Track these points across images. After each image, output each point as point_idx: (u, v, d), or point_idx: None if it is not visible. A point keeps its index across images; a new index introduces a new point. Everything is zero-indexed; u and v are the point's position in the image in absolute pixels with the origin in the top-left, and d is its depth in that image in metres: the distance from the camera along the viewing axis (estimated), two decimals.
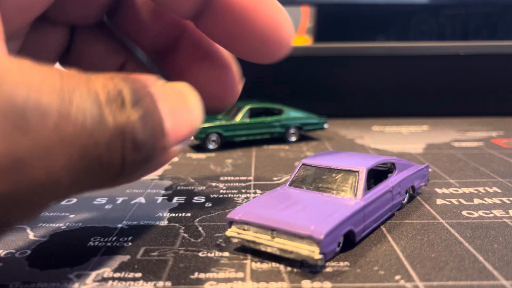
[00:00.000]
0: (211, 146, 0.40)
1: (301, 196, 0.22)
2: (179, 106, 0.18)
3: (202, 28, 0.22)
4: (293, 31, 0.21)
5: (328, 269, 0.18)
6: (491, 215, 0.24)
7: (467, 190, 0.28)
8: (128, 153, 0.16)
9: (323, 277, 0.18)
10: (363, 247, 0.20)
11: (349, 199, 0.21)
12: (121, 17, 0.23)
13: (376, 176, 0.24)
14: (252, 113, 0.42)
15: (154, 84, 0.18)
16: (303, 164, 0.24)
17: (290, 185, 0.23)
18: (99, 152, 0.14)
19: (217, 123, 0.40)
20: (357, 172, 0.22)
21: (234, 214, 0.20)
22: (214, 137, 0.40)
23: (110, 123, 0.15)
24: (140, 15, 0.23)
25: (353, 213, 0.20)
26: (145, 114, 0.16)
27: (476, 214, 0.24)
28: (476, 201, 0.26)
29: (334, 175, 0.22)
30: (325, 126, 0.44)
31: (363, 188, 0.21)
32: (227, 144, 0.41)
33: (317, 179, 0.23)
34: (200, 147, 0.41)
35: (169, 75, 0.24)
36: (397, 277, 0.18)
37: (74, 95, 0.14)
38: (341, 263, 0.19)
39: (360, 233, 0.20)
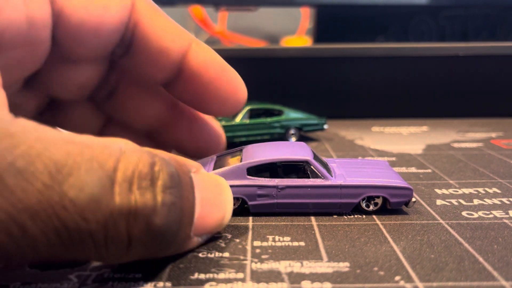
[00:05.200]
0: None
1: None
2: (213, 200, 0.19)
3: (172, 92, 0.26)
4: (246, 91, 0.26)
5: (328, 270, 0.18)
6: (491, 215, 0.24)
7: (466, 190, 0.28)
8: (137, 235, 0.15)
9: (323, 278, 0.18)
10: (363, 248, 0.20)
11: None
12: (129, 61, 0.24)
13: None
14: (252, 114, 0.42)
15: (198, 171, 0.19)
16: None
17: None
18: (90, 228, 0.14)
19: None
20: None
21: None
22: None
23: (113, 203, 0.14)
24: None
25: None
26: (174, 202, 0.16)
27: (476, 215, 0.24)
28: (476, 201, 0.26)
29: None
30: (325, 127, 0.44)
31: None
32: (227, 144, 0.41)
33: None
34: None
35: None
36: (397, 278, 0.18)
37: (76, 170, 0.14)
38: (341, 264, 0.19)
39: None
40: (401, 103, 0.54)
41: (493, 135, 0.46)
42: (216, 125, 0.29)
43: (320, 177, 0.24)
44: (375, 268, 0.18)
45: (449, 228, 0.22)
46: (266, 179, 0.24)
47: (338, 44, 0.55)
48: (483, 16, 0.65)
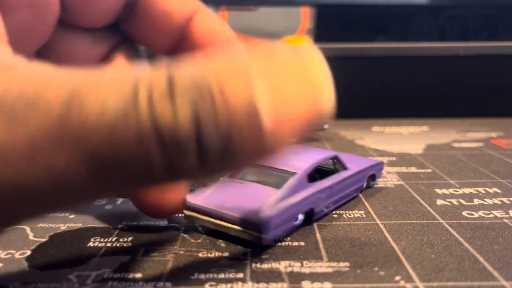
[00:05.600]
0: None
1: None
2: (293, 81, 0.13)
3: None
4: None
5: (328, 270, 0.18)
6: (491, 215, 0.24)
7: (467, 190, 0.28)
8: (158, 156, 0.12)
9: (323, 278, 0.18)
10: (363, 248, 0.20)
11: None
12: (131, 25, 0.22)
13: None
14: None
15: (254, 47, 0.13)
16: None
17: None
18: (129, 150, 0.12)
19: None
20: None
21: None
22: None
23: (140, 119, 0.12)
24: (149, 24, 0.22)
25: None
26: (196, 111, 0.12)
27: (476, 215, 0.24)
28: (476, 201, 0.26)
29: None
30: (325, 126, 0.44)
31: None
32: None
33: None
34: None
35: None
36: (397, 278, 0.18)
37: (94, 95, 0.12)
38: (341, 264, 0.19)
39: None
40: (401, 103, 0.54)
41: (493, 135, 0.46)
42: None
43: (345, 169, 0.26)
44: (375, 268, 0.18)
45: (449, 228, 0.22)
46: (322, 181, 0.23)
47: (338, 44, 0.55)
48: (483, 16, 0.65)
